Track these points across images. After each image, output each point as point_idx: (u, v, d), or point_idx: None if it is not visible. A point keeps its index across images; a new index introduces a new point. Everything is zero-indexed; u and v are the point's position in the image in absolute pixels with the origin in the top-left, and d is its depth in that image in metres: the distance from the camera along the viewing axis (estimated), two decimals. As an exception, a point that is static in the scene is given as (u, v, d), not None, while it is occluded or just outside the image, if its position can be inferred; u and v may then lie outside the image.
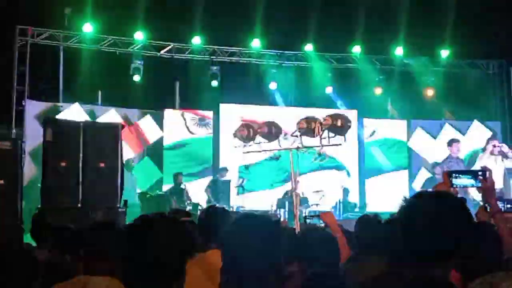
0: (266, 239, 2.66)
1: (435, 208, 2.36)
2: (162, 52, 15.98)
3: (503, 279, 2.71)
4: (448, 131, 16.90)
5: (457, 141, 15.79)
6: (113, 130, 9.34)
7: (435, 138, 16.89)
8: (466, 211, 2.41)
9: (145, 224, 2.41)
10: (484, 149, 13.98)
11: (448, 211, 2.34)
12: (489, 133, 16.46)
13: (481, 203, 4.14)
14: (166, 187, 14.58)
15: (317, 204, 14.45)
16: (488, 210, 4.06)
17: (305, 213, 13.03)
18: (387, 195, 15.48)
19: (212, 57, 16.25)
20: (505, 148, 13.26)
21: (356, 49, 16.68)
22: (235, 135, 10.40)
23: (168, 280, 2.34)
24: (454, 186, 4.06)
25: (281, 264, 2.70)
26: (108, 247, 3.14)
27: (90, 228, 3.58)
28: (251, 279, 2.50)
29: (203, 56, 16.23)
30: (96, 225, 3.67)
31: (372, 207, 14.98)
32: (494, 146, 12.84)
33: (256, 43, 16.18)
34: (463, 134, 16.77)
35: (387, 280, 3.51)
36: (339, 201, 15.02)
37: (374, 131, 16.73)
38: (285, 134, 11.27)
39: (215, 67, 16.09)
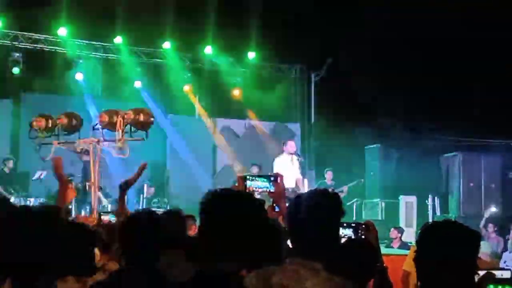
0: (34, 233, 2.66)
1: (229, 205, 2.42)
2: (-44, 34, 14.85)
3: (274, 272, 2.87)
4: (251, 131, 17.54)
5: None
6: None
7: (238, 136, 17.46)
8: (260, 210, 2.50)
9: None
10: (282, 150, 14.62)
11: (243, 209, 2.42)
12: (289, 134, 17.31)
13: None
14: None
15: (120, 200, 14.23)
16: (278, 211, 4.30)
17: (107, 208, 12.84)
18: (192, 191, 15.68)
19: (14, 42, 15.43)
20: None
21: (166, 45, 16.70)
22: (31, 126, 9.93)
23: None
24: (249, 187, 4.23)
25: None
26: None
27: None
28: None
29: (4, 41, 15.34)
30: None
31: (176, 203, 15.10)
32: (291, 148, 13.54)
33: (62, 32, 15.58)
34: (265, 134, 17.52)
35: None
36: (143, 196, 14.95)
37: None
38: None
39: (17, 54, 15.28)
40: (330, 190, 3.03)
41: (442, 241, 2.75)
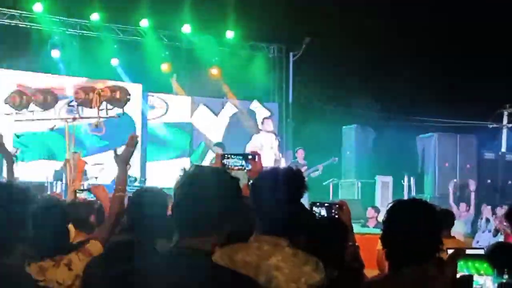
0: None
1: (204, 182, 2.37)
2: None
3: (239, 249, 2.88)
4: (229, 110, 17.54)
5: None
6: None
7: (216, 115, 17.45)
8: (235, 187, 2.45)
9: None
10: (260, 129, 14.70)
11: (217, 186, 2.37)
12: (267, 113, 17.35)
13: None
14: None
15: (96, 177, 14.14)
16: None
17: (83, 185, 12.72)
18: (169, 170, 15.66)
19: (-12, 18, 15.20)
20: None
21: (144, 23, 16.54)
22: (6, 102, 9.82)
23: None
24: (226, 166, 4.22)
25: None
26: None
27: None
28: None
29: (-23, 17, 15.12)
30: None
31: (152, 182, 15.04)
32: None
33: (38, 8, 15.34)
34: (242, 113, 17.52)
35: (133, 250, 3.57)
36: (119, 174, 14.83)
37: (167, 110, 16.79)
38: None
39: (-9, 30, 15.07)
40: (294, 167, 3.05)
41: (406, 218, 2.78)
